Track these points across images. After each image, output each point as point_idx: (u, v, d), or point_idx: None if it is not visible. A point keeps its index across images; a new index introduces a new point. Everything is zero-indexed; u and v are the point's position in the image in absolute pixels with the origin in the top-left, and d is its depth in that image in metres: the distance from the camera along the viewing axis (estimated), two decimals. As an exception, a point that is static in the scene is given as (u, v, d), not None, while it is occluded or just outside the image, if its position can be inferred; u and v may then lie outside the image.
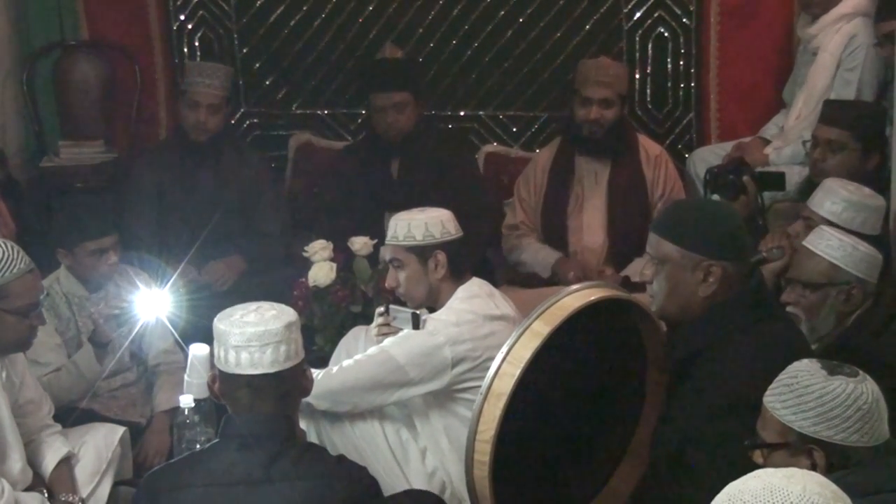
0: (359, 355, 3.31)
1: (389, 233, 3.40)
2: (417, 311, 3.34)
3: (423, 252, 3.34)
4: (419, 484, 3.24)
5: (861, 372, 2.19)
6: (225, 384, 2.48)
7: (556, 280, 4.43)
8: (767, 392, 2.21)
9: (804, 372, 2.18)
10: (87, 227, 3.72)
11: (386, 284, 3.52)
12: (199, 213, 4.63)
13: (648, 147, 4.67)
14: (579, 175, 4.63)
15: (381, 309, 3.47)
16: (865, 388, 2.15)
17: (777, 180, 4.07)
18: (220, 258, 4.64)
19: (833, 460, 2.11)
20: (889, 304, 3.17)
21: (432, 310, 3.38)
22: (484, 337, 3.21)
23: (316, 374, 3.22)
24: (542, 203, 4.65)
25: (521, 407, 2.68)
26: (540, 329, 2.66)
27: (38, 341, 3.19)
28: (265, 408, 2.44)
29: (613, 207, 4.56)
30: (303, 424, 3.19)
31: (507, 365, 2.65)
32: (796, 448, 2.14)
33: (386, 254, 3.45)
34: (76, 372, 3.60)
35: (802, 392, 2.15)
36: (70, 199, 3.93)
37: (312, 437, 3.26)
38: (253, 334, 2.42)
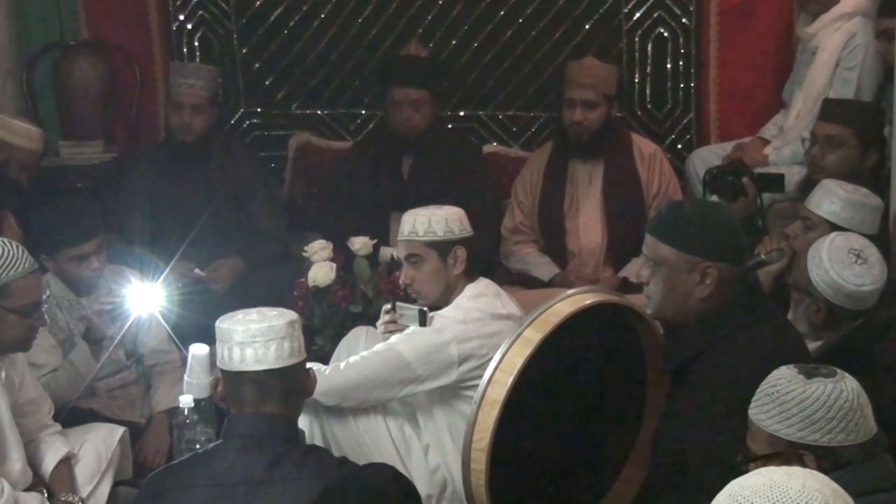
0: (365, 352, 3.32)
1: (407, 228, 3.39)
2: (424, 308, 3.34)
3: (443, 247, 3.35)
4: (421, 480, 3.25)
5: (839, 371, 2.20)
6: (229, 383, 2.49)
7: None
8: (751, 405, 2.23)
9: (782, 380, 2.19)
10: (67, 234, 3.70)
11: (400, 281, 3.52)
12: (191, 213, 4.63)
13: (642, 146, 4.67)
14: (573, 176, 4.63)
15: (388, 306, 3.47)
16: (845, 386, 2.15)
17: (776, 182, 4.08)
18: (218, 258, 4.64)
19: (824, 463, 2.11)
20: (889, 306, 3.17)
21: (437, 308, 3.38)
22: (490, 335, 3.22)
23: (323, 369, 3.23)
24: (539, 205, 4.65)
25: (518, 414, 2.69)
26: (532, 336, 2.67)
27: (34, 343, 3.19)
28: (269, 406, 2.46)
29: (609, 208, 4.57)
30: (307, 420, 3.21)
31: (500, 373, 2.66)
32: (787, 456, 2.14)
33: (401, 250, 3.44)
34: (73, 371, 3.60)
35: (783, 400, 2.16)
36: (50, 204, 3.95)
37: (316, 433, 3.27)
38: (257, 330, 2.44)
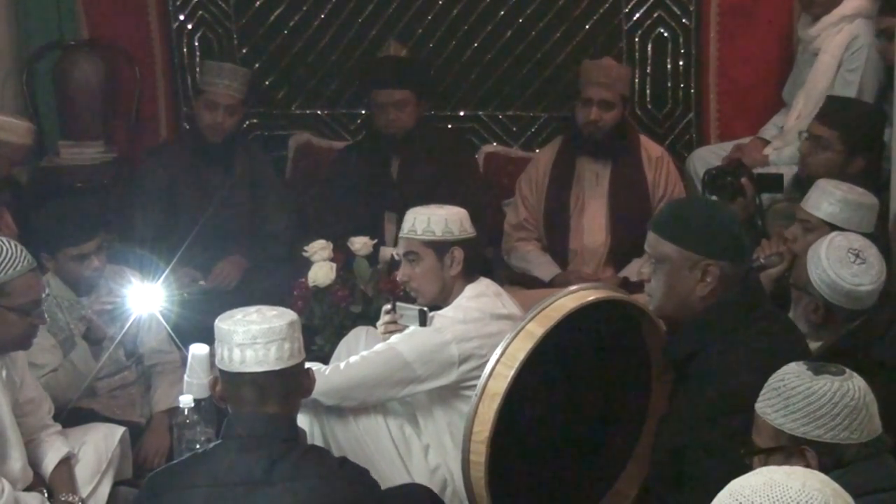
0: (365, 352, 3.32)
1: (406, 226, 3.40)
2: (424, 308, 3.34)
3: (440, 248, 3.35)
4: (421, 480, 3.25)
5: (848, 370, 2.20)
6: (229, 384, 2.49)
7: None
8: (759, 399, 2.23)
9: (790, 374, 2.19)
10: (67, 233, 3.70)
11: (397, 278, 3.52)
12: (209, 212, 4.63)
13: (650, 148, 4.68)
14: (580, 175, 4.64)
15: (388, 306, 3.47)
16: (852, 384, 2.16)
17: (775, 182, 4.08)
18: (220, 258, 4.64)
19: (825, 459, 2.12)
20: (891, 306, 3.17)
21: (437, 308, 3.38)
22: (490, 335, 3.21)
23: (323, 369, 3.23)
24: (544, 203, 4.66)
25: (520, 408, 2.70)
26: (534, 330, 2.68)
27: (34, 343, 3.20)
28: (269, 407, 2.45)
29: (614, 208, 4.58)
30: (306, 419, 3.21)
31: (502, 366, 2.67)
32: (789, 450, 2.15)
33: (401, 247, 3.44)
34: (73, 371, 3.60)
35: (789, 394, 2.16)
36: (51, 203, 3.96)
37: (316, 432, 3.28)
38: (258, 331, 2.44)
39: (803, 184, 3.91)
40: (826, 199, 3.56)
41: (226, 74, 4.72)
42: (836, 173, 3.89)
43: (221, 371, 2.50)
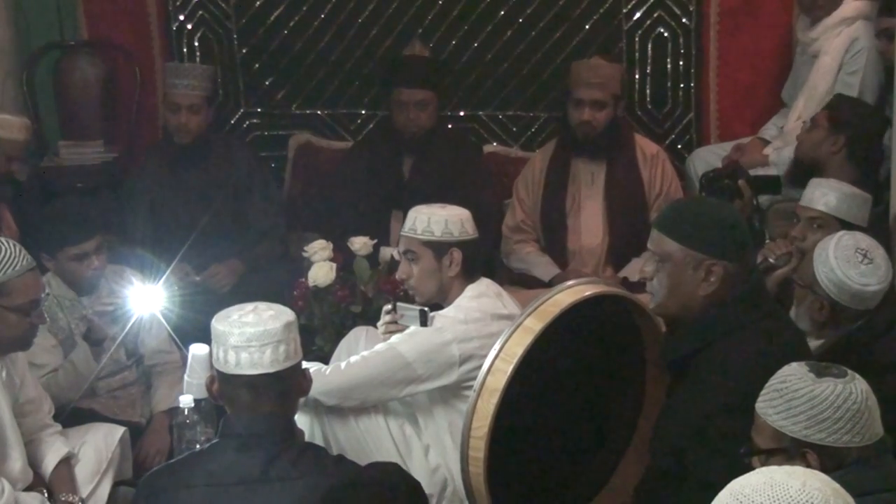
0: (366, 352, 3.32)
1: (407, 224, 3.40)
2: (425, 308, 3.34)
3: (439, 248, 3.35)
4: (422, 479, 3.24)
5: (850, 372, 2.19)
6: (224, 385, 2.49)
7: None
8: (759, 399, 2.22)
9: (793, 376, 2.18)
10: (67, 233, 3.71)
11: (396, 276, 3.52)
12: (190, 215, 4.63)
13: (645, 146, 4.68)
14: (576, 176, 4.64)
15: (389, 307, 3.47)
16: (854, 387, 2.15)
17: (773, 183, 4.10)
18: (217, 260, 4.64)
19: (827, 462, 2.11)
20: (891, 306, 3.17)
21: (438, 307, 3.38)
22: (491, 335, 3.19)
23: (324, 369, 3.23)
24: (540, 204, 4.66)
25: (517, 403, 2.70)
26: (532, 325, 2.68)
27: (34, 343, 3.19)
28: (265, 408, 2.45)
29: (611, 207, 4.58)
30: (307, 419, 3.21)
31: (500, 361, 2.67)
32: (791, 453, 2.15)
33: (401, 245, 3.44)
34: (73, 371, 3.60)
35: (792, 397, 2.15)
36: (51, 203, 3.96)
37: (316, 432, 3.28)
38: (253, 334, 2.43)
39: (796, 170, 4.08)
40: (827, 191, 3.62)
41: (184, 74, 4.71)
42: (819, 151, 4.06)
43: (217, 371, 2.50)
